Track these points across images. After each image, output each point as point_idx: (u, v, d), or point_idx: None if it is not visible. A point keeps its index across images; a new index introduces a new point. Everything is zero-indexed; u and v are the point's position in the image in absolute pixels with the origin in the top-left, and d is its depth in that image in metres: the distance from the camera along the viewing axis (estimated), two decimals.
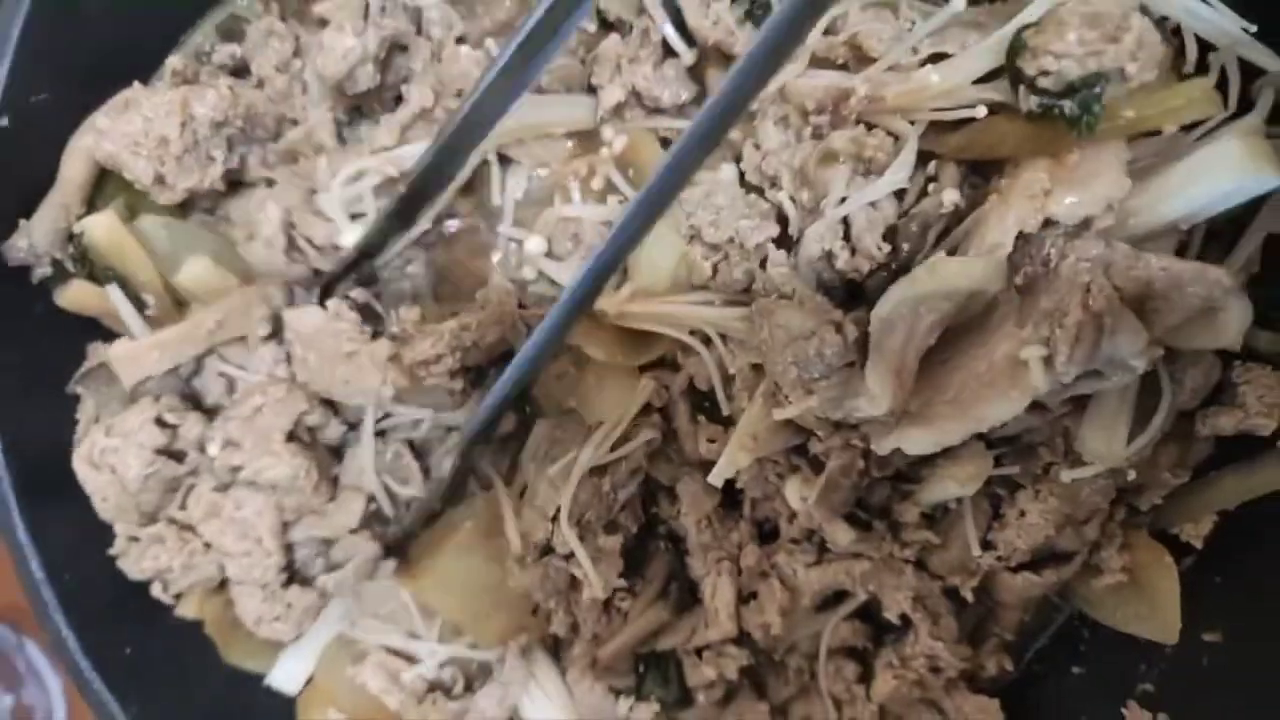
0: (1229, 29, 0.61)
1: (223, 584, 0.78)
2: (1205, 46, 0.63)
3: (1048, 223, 0.57)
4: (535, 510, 0.73)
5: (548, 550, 0.73)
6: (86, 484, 0.73)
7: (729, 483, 0.72)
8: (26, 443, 0.74)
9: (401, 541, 0.76)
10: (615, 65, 0.73)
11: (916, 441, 0.62)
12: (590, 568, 0.71)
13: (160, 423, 0.74)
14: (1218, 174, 0.56)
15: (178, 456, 0.75)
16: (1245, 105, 0.62)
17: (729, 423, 0.71)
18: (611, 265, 0.56)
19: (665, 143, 0.74)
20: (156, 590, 0.76)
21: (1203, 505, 0.69)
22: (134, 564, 0.74)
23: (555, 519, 0.71)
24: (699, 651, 0.77)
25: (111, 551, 0.76)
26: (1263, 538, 0.67)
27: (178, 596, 0.78)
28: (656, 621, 0.75)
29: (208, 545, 0.74)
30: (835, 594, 0.75)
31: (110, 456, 0.73)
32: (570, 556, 0.71)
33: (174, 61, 0.77)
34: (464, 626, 0.77)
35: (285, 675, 0.78)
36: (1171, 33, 0.63)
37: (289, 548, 0.76)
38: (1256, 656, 0.64)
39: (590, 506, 0.71)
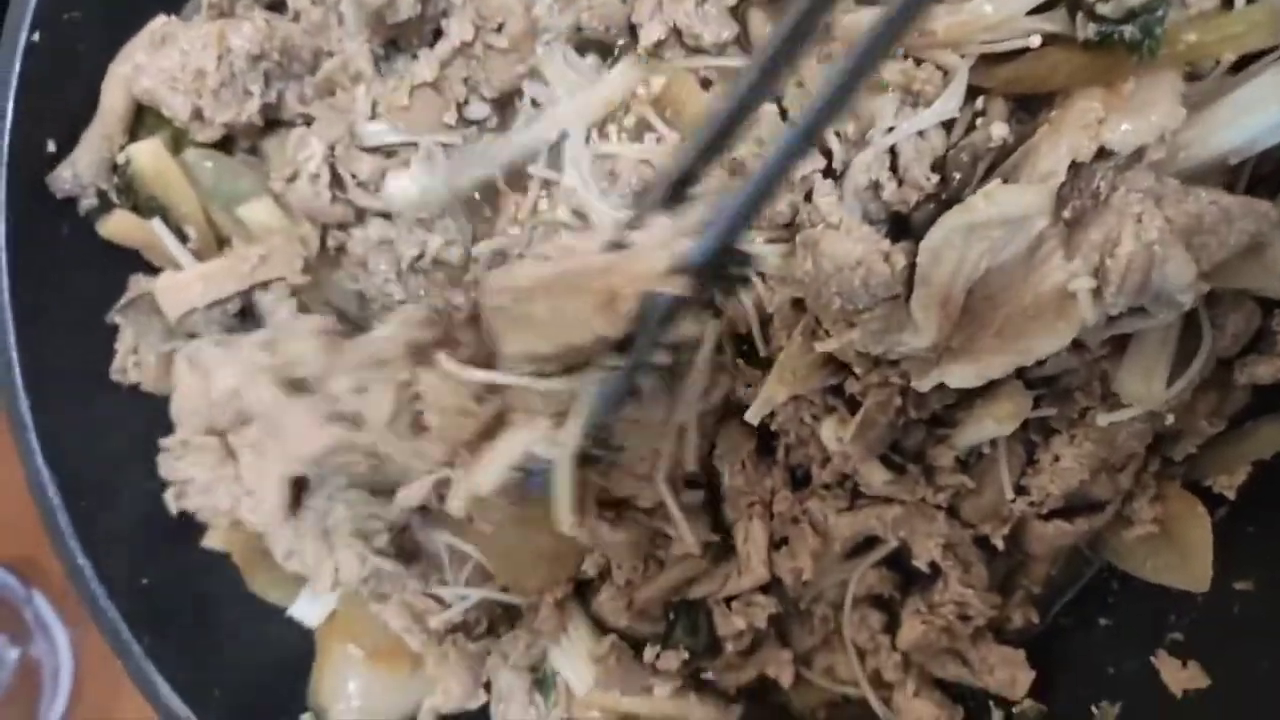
0: None
1: None
2: None
3: (1101, 153, 0.57)
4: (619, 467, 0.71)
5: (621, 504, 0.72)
6: (180, 379, 0.72)
7: (764, 428, 0.72)
8: (49, 370, 0.73)
9: None
10: (657, 2, 0.73)
11: (959, 375, 0.62)
12: (684, 523, 0.70)
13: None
14: (1270, 104, 0.56)
15: None
16: None
17: (767, 365, 0.71)
18: None
19: (705, 83, 0.74)
20: (169, 496, 0.74)
21: (1238, 456, 0.69)
22: (170, 464, 0.73)
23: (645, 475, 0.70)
24: (729, 601, 0.76)
25: (162, 443, 0.74)
26: None
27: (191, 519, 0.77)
28: (693, 569, 0.74)
29: (238, 476, 0.73)
30: (865, 540, 0.75)
31: (213, 364, 0.72)
32: (653, 511, 0.71)
33: None
34: (503, 576, 0.76)
35: (308, 607, 0.78)
36: None
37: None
38: None
39: (677, 461, 0.70)
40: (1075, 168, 0.58)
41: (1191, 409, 0.68)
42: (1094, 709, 0.71)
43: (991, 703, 0.75)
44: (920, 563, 0.73)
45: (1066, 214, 0.59)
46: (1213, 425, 0.69)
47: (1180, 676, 0.67)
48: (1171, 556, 0.69)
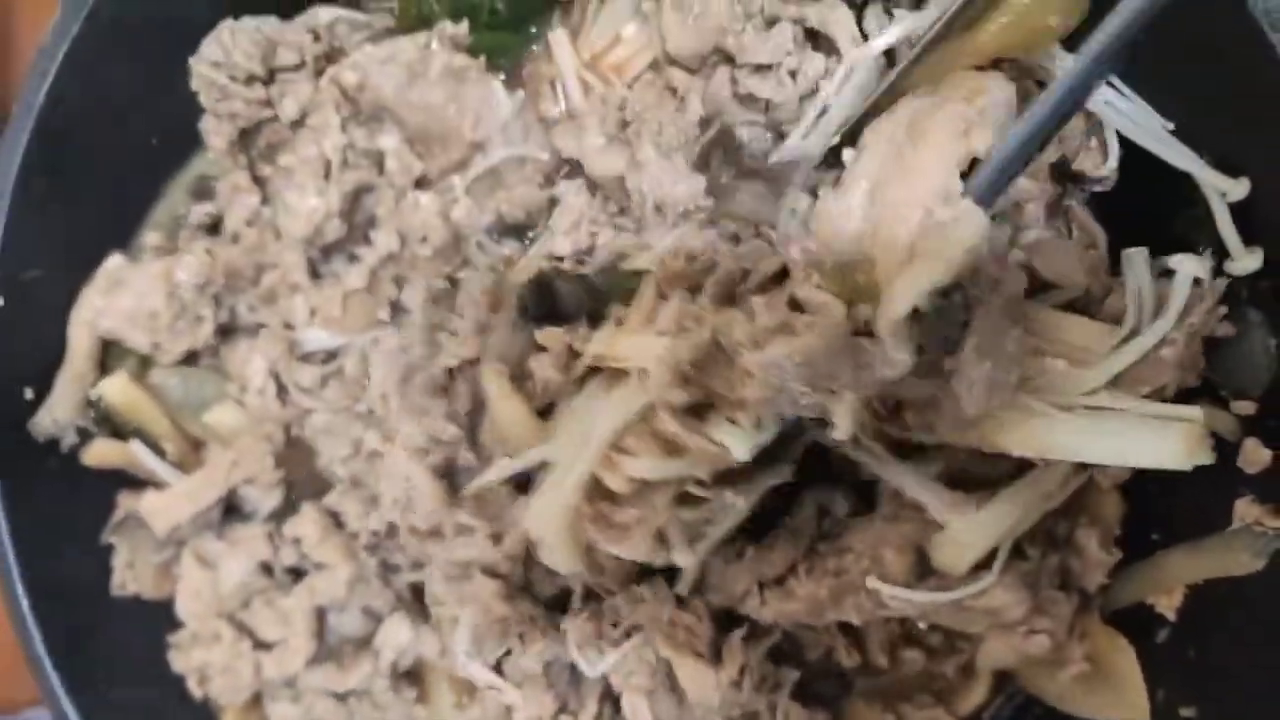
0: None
1: (256, 699, 0.83)
2: None
3: None
4: None
5: None
6: (186, 576, 0.79)
7: None
8: (57, 598, 0.79)
9: None
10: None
11: None
12: None
13: (271, 538, 0.81)
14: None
15: (268, 572, 0.82)
16: None
17: None
18: None
19: None
20: (191, 684, 0.81)
21: (1154, 583, 0.71)
22: (183, 657, 0.80)
23: None
24: None
25: (170, 640, 0.81)
26: (1226, 615, 0.68)
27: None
28: None
29: (256, 645, 0.79)
30: None
31: (219, 558, 0.81)
32: None
33: (152, 238, 0.81)
34: None
35: None
36: None
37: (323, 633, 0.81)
38: None
39: None
40: None
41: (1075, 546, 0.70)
42: None
43: None
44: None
45: None
46: (1109, 553, 0.71)
47: None
48: (1107, 693, 0.71)
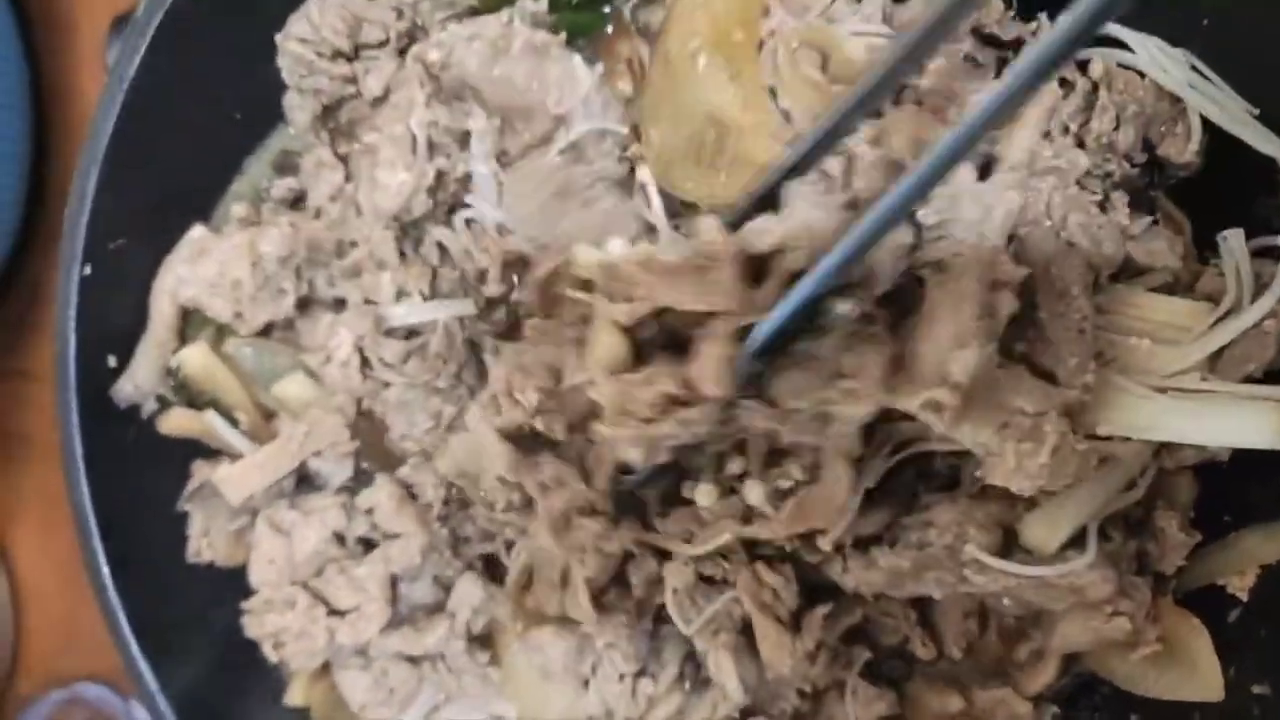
0: None
1: (326, 669, 0.85)
2: None
3: None
4: None
5: None
6: (261, 543, 0.80)
7: None
8: (134, 563, 0.80)
9: None
10: None
11: None
12: None
13: (344, 508, 0.82)
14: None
15: (341, 542, 0.83)
16: None
17: None
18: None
19: None
20: (267, 648, 0.82)
21: (1227, 564, 0.72)
22: (258, 622, 0.81)
23: None
24: None
25: (245, 606, 0.82)
26: None
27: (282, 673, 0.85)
28: None
29: (330, 612, 0.80)
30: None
31: (293, 526, 0.81)
32: None
33: (237, 209, 0.83)
34: None
35: None
36: None
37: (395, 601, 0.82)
38: None
39: None
40: None
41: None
42: None
43: None
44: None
45: None
46: (1189, 535, 0.72)
47: None
48: (1179, 673, 0.72)
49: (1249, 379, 0.64)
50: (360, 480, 0.86)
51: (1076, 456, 0.60)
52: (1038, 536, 0.65)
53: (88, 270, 0.77)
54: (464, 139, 0.80)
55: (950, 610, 0.76)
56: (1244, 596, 0.73)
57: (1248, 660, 0.71)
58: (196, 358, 0.82)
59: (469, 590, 0.80)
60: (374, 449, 0.87)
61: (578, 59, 0.81)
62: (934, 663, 0.80)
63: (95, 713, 1.11)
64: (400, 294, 0.81)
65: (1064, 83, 0.70)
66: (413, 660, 0.82)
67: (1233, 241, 0.66)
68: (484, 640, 0.82)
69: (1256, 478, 0.72)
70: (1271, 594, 0.72)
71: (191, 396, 0.84)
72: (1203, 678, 0.71)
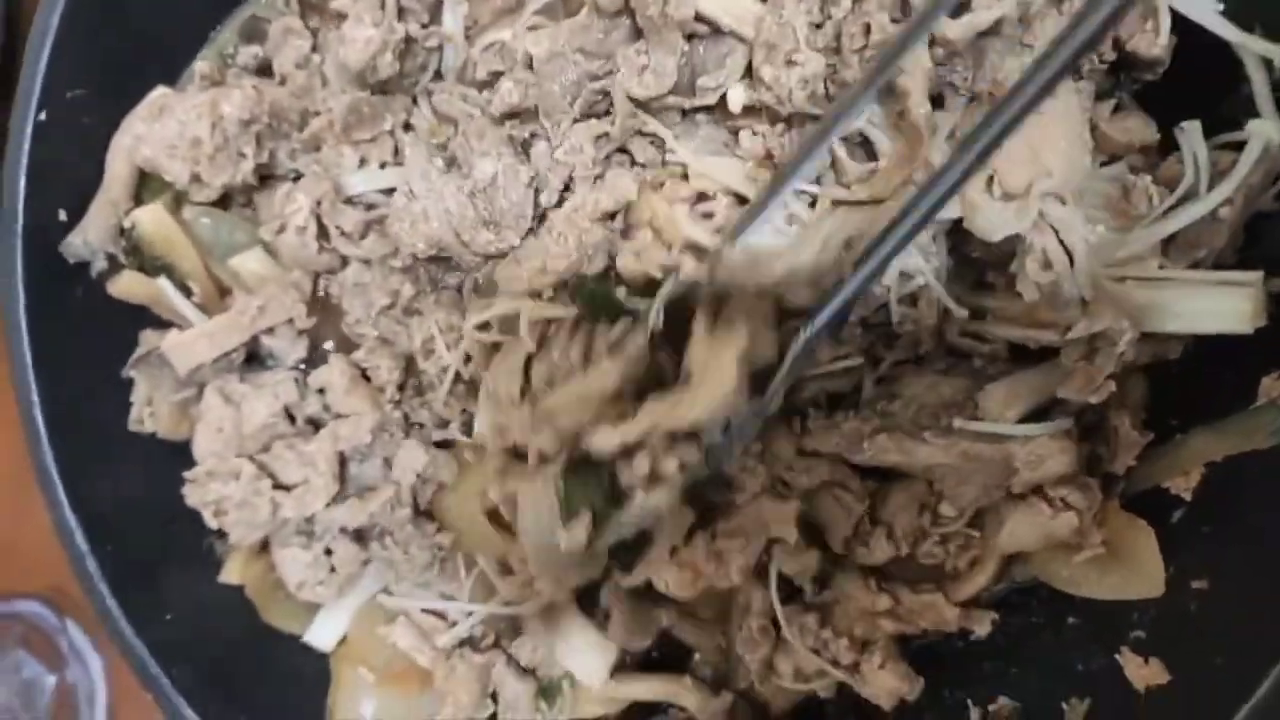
0: None
1: (264, 547, 0.83)
2: None
3: None
4: None
5: None
6: (209, 412, 0.78)
7: None
8: (72, 422, 0.78)
9: None
10: None
11: None
12: None
13: (296, 384, 0.81)
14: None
15: (290, 419, 0.82)
16: None
17: None
18: None
19: None
20: (207, 515, 0.80)
21: (1176, 464, 0.72)
22: (199, 491, 0.79)
23: None
24: None
25: (187, 475, 0.80)
26: (1242, 490, 0.70)
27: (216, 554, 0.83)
28: None
29: (276, 486, 0.78)
30: None
31: (243, 398, 0.80)
32: None
33: (201, 66, 0.81)
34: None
35: (321, 634, 0.83)
36: None
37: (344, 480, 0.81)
38: (1240, 600, 0.67)
39: None
40: None
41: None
42: (1065, 705, 0.74)
43: (969, 701, 0.79)
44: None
45: None
46: (1142, 434, 0.72)
47: (1143, 673, 0.70)
48: (1124, 573, 0.72)
49: (1196, 265, 0.65)
50: (314, 362, 0.85)
51: None
52: (996, 405, 0.65)
53: (43, 116, 0.76)
54: (435, 8, 0.79)
55: (906, 503, 0.76)
56: (1187, 497, 0.74)
57: (1188, 557, 0.72)
58: (152, 219, 0.80)
59: (412, 455, 0.79)
60: (332, 335, 0.86)
61: None
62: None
63: (31, 628, 1.08)
64: (362, 162, 0.80)
65: None
66: (359, 538, 0.81)
67: (1190, 131, 0.67)
68: (429, 515, 0.81)
69: (1204, 378, 0.73)
70: (1216, 491, 0.72)
71: (144, 261, 0.82)
72: (1147, 578, 0.71)
